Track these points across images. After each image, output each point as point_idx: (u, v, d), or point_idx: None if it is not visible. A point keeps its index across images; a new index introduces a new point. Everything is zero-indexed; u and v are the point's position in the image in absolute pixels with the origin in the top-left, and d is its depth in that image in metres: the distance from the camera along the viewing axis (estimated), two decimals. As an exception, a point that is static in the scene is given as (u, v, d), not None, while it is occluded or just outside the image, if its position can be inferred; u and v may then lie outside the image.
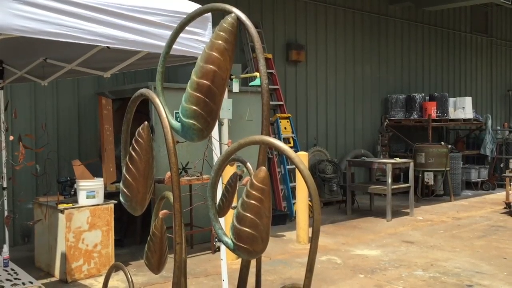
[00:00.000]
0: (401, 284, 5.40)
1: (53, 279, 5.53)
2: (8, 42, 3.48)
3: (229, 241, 1.50)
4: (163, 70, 1.60)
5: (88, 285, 5.39)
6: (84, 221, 5.54)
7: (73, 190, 5.94)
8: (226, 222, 4.29)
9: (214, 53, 1.38)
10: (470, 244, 7.09)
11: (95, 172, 6.09)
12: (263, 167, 1.37)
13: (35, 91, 7.10)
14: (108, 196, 6.04)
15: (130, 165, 1.43)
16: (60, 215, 5.48)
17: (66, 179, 6.00)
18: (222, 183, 2.54)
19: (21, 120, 6.50)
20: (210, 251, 6.71)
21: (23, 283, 2.97)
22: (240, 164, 1.89)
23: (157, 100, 1.45)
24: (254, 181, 1.41)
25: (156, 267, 1.66)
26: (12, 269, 3.30)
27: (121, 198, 1.47)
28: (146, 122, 1.42)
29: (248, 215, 1.44)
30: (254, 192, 1.42)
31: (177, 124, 1.55)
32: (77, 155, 7.10)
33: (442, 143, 11.29)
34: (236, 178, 1.78)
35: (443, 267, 6.00)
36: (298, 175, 7.50)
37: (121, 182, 1.47)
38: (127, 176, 1.43)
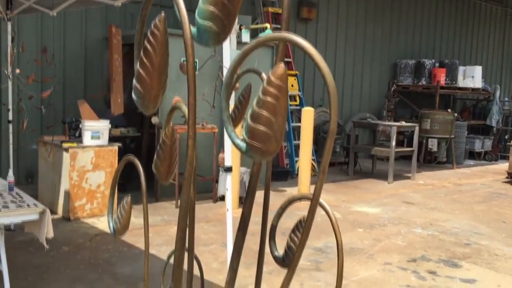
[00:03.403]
0: (399, 239, 5.45)
1: (56, 216, 5.59)
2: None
3: (241, 143, 1.48)
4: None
5: (91, 223, 5.45)
6: (88, 161, 5.56)
7: (78, 133, 5.93)
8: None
9: None
10: (470, 208, 7.12)
11: (100, 115, 6.08)
12: (282, 63, 1.34)
13: (42, 30, 7.00)
14: (112, 139, 6.04)
15: (144, 59, 1.39)
16: (64, 153, 5.49)
17: (71, 120, 5.99)
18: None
19: (27, 57, 6.42)
20: (212, 200, 6.76)
21: (28, 205, 2.99)
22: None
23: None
24: (272, 78, 1.37)
25: (164, 176, 1.65)
26: (17, 193, 3.32)
27: (133, 95, 1.44)
28: (163, 13, 1.38)
29: (264, 112, 1.41)
30: (270, 89, 1.39)
31: (192, 29, 1.50)
32: (82, 97, 7.05)
33: (449, 110, 11.21)
34: (249, 89, 1.75)
35: (442, 226, 6.04)
36: (302, 133, 7.48)
37: (134, 78, 1.44)
38: (141, 71, 1.40)
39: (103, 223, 5.46)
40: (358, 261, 4.68)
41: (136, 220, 5.67)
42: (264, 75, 1.77)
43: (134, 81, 1.47)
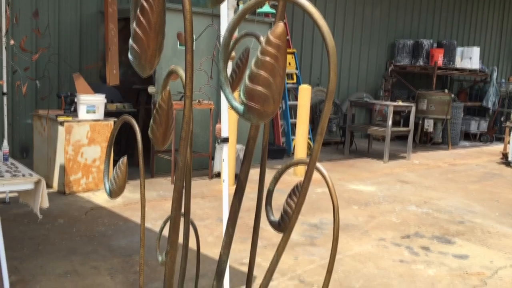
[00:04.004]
0: (394, 216, 5.48)
1: (51, 190, 5.58)
2: None
3: (239, 105, 1.46)
4: None
5: (86, 197, 5.45)
6: (84, 135, 5.53)
7: (73, 107, 5.89)
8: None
9: None
10: (464, 187, 7.17)
11: (96, 91, 6.02)
12: (281, 23, 1.31)
13: (36, 3, 6.89)
14: (108, 115, 6.00)
15: (140, 17, 1.37)
16: (59, 127, 5.46)
17: (66, 94, 5.94)
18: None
19: (22, 29, 6.33)
20: (207, 177, 6.76)
21: (23, 175, 2.98)
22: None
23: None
24: (271, 37, 1.35)
25: (161, 140, 1.64)
26: (12, 163, 3.30)
27: (129, 56, 1.42)
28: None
29: (262, 73, 1.39)
30: (269, 49, 1.37)
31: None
32: (77, 70, 6.98)
33: (446, 90, 11.19)
34: (247, 53, 1.73)
35: (436, 205, 6.08)
36: (299, 111, 7.45)
37: (130, 38, 1.41)
38: (137, 30, 1.37)
39: (98, 198, 5.46)
40: (352, 237, 4.71)
41: (131, 195, 5.71)
42: (262, 38, 1.74)
43: (130, 41, 1.44)
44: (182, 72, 1.76)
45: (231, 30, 1.41)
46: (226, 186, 2.64)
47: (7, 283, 3.05)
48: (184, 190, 1.58)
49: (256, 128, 1.58)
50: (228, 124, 2.81)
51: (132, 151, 7.28)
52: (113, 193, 1.42)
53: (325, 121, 1.30)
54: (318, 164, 1.54)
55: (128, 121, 1.47)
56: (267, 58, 1.33)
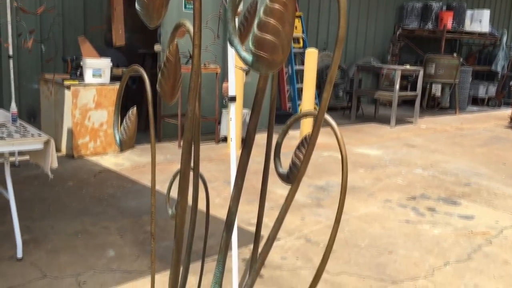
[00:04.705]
0: (400, 179, 5.51)
1: (59, 154, 5.63)
2: None
3: (247, 56, 1.45)
4: None
5: (94, 160, 5.50)
6: (91, 99, 5.53)
7: (79, 72, 5.87)
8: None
9: None
10: (471, 151, 7.16)
11: (101, 55, 5.98)
12: (290, -32, 1.29)
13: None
14: (114, 79, 5.98)
15: (148, -34, 1.35)
16: (66, 91, 5.46)
17: (72, 58, 5.91)
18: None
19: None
20: (214, 141, 6.79)
21: (32, 135, 3.00)
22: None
23: None
24: (279, -17, 1.33)
25: (169, 94, 1.64)
26: (21, 124, 3.32)
27: (137, 6, 1.41)
28: None
29: (271, 21, 1.38)
30: (278, -4, 1.34)
31: None
32: (82, 32, 6.91)
33: (455, 54, 11.05)
34: (255, 4, 1.71)
35: (443, 167, 6.09)
36: (305, 75, 7.39)
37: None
38: (145, -22, 1.36)
39: (106, 161, 5.51)
40: (358, 199, 4.75)
41: (139, 158, 5.75)
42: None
43: (138, -11, 1.43)
44: (189, 25, 1.75)
45: (239, -22, 1.39)
46: (233, 145, 2.65)
47: (19, 242, 3.12)
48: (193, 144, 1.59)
49: (265, 79, 1.58)
50: (235, 84, 2.79)
51: (138, 115, 7.30)
52: (124, 144, 1.43)
53: (334, 70, 1.29)
54: (326, 115, 1.54)
55: (137, 70, 1.47)
56: (276, 5, 1.31)
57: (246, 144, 1.68)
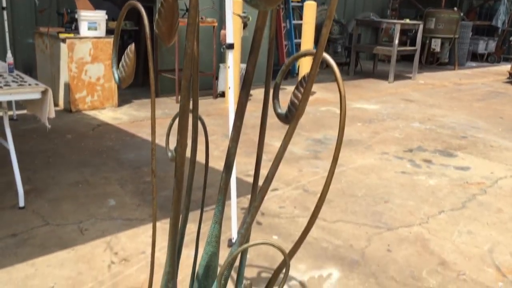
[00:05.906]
0: (397, 132, 5.53)
1: (57, 108, 5.62)
2: None
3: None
4: None
5: (92, 115, 5.50)
6: (87, 52, 5.47)
7: (74, 25, 5.78)
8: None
9: None
10: (469, 105, 7.17)
11: (96, 9, 5.87)
12: None
13: None
14: (110, 33, 5.90)
15: None
16: (62, 44, 5.39)
17: (67, 11, 5.81)
18: None
19: None
20: (212, 96, 6.77)
21: (29, 84, 2.99)
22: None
23: None
24: None
25: (166, 35, 1.62)
26: (18, 75, 3.30)
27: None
28: None
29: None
30: None
31: None
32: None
33: (455, 8, 10.88)
34: None
35: (440, 121, 6.11)
36: (304, 28, 7.29)
37: None
38: None
39: (104, 115, 5.51)
40: (355, 151, 4.79)
41: (136, 113, 5.75)
42: None
43: None
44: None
45: None
46: (231, 93, 2.64)
47: (21, 192, 3.16)
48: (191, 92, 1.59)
49: (263, 17, 1.57)
50: (233, 31, 2.76)
51: (135, 70, 7.24)
52: (123, 81, 1.43)
53: (332, 10, 1.27)
54: (325, 54, 1.53)
55: (134, 6, 1.46)
56: None
57: (245, 84, 1.68)
